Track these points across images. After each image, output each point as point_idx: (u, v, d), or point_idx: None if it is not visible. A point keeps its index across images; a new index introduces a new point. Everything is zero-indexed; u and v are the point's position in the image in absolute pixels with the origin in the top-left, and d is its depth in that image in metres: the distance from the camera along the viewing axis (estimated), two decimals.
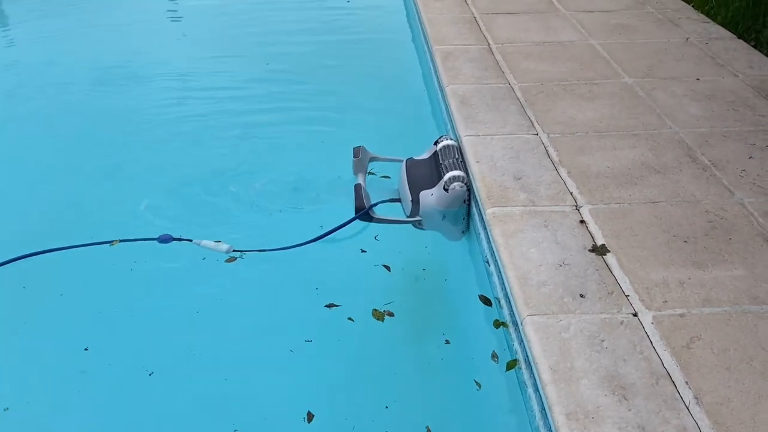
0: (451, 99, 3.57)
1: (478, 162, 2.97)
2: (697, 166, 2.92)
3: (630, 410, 1.83)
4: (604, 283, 2.27)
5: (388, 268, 2.86)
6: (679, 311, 2.15)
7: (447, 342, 2.48)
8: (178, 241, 3.04)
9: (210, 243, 2.99)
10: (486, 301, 2.63)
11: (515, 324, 2.26)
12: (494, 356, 2.40)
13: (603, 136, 3.16)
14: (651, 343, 2.04)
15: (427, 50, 4.53)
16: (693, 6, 4.86)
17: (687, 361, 1.98)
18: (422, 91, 4.42)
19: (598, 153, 3.03)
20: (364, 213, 3.04)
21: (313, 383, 2.36)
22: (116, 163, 3.75)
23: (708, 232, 2.51)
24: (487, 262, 2.71)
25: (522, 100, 3.53)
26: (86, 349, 2.51)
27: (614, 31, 4.41)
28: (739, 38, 4.28)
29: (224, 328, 2.61)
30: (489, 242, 2.63)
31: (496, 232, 2.53)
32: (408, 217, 3.09)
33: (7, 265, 2.93)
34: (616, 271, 2.33)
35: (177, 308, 2.71)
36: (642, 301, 2.20)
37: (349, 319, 2.58)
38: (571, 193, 2.75)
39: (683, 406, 1.84)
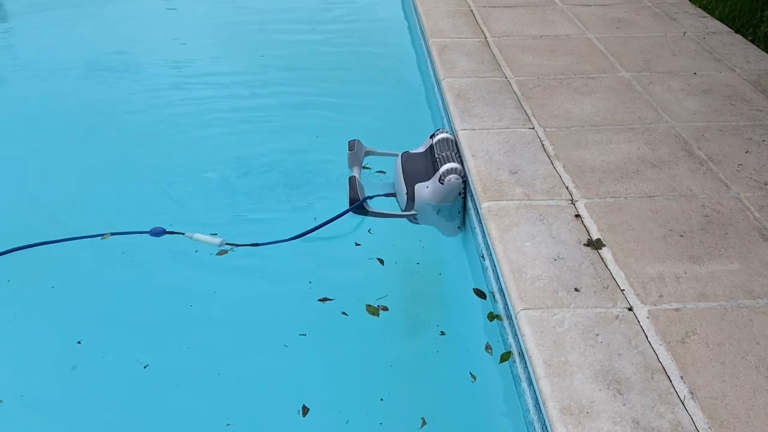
0: (447, 92, 3.54)
1: (474, 156, 2.95)
2: (694, 161, 2.91)
3: (624, 405, 1.82)
4: (600, 278, 2.26)
5: (381, 261, 2.84)
6: (675, 306, 2.14)
7: (442, 333, 2.47)
8: (170, 235, 3.01)
9: (202, 236, 2.97)
10: (480, 294, 2.62)
11: (509, 318, 2.25)
12: (488, 348, 2.39)
13: (599, 130, 3.15)
14: (646, 337, 2.03)
15: (423, 43, 4.51)
16: (690, 0, 4.85)
17: (682, 355, 1.97)
18: (418, 85, 4.40)
19: (594, 147, 3.01)
20: (358, 205, 3.03)
21: (307, 377, 2.34)
22: (110, 154, 3.72)
23: (704, 226, 2.50)
24: (482, 257, 2.70)
25: (518, 93, 3.51)
26: (79, 342, 2.49)
27: (611, 25, 4.39)
28: (736, 33, 4.26)
29: (218, 321, 2.59)
30: (484, 236, 2.62)
31: (492, 226, 2.51)
32: (403, 211, 3.08)
33: None
34: (612, 265, 2.32)
35: (170, 302, 2.68)
36: (637, 295, 2.19)
37: (343, 313, 2.57)
38: (567, 188, 2.73)
39: (678, 400, 1.83)
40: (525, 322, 2.08)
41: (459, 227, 3.05)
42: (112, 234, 3.01)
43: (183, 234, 3.00)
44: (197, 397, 2.30)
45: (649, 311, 2.12)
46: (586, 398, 1.83)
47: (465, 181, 2.92)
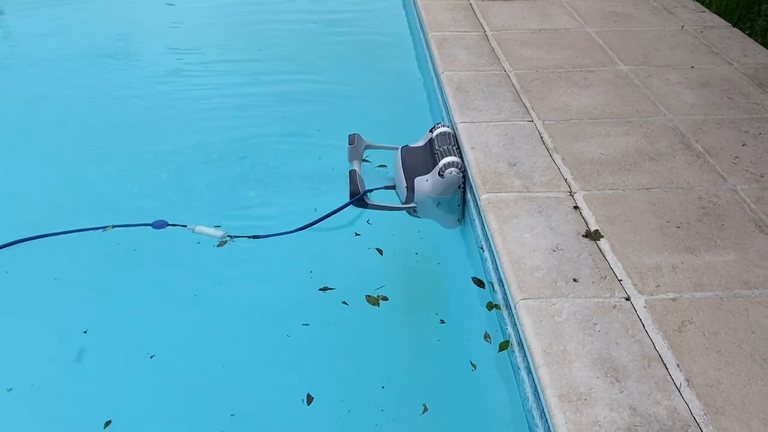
0: (446, 86, 3.56)
1: (473, 148, 2.98)
2: (691, 153, 2.93)
3: (622, 392, 1.85)
4: (598, 268, 2.29)
5: (380, 251, 2.87)
6: (672, 295, 2.17)
7: (442, 322, 2.50)
8: (173, 227, 3.03)
9: (204, 228, 2.99)
10: (479, 283, 2.65)
11: (509, 307, 2.28)
12: (486, 337, 2.42)
13: (598, 123, 3.17)
14: (643, 326, 2.06)
15: (422, 37, 4.52)
16: None
17: (678, 344, 2.00)
18: (417, 78, 4.42)
19: (592, 140, 3.03)
20: (358, 198, 3.05)
21: (309, 366, 2.37)
22: (110, 144, 3.72)
23: (701, 218, 2.53)
24: (481, 248, 2.72)
25: (517, 87, 3.53)
26: (85, 332, 2.51)
27: (610, 19, 4.41)
28: (734, 27, 4.28)
29: (222, 312, 2.61)
30: (483, 228, 2.64)
31: (491, 218, 2.54)
32: (403, 204, 3.10)
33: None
34: (610, 256, 2.34)
35: (174, 293, 2.70)
36: (635, 285, 2.21)
37: (344, 302, 2.59)
38: (566, 180, 2.76)
39: (674, 387, 1.86)
40: (524, 312, 2.11)
41: (458, 220, 3.07)
42: (114, 227, 3.03)
43: (185, 226, 3.02)
44: (201, 389, 2.32)
45: (646, 301, 2.15)
46: (584, 386, 1.86)
47: (464, 175, 2.94)
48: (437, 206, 3.03)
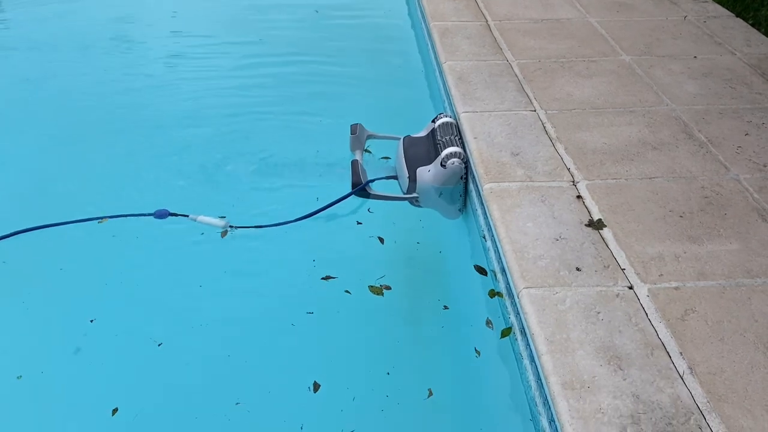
0: (448, 75, 3.55)
1: (475, 138, 2.98)
2: (694, 143, 2.94)
3: (625, 380, 1.86)
4: (601, 257, 2.29)
5: (381, 240, 2.87)
6: (675, 284, 2.18)
7: (445, 308, 2.51)
8: (174, 217, 3.03)
9: (206, 218, 2.99)
10: (481, 271, 2.66)
11: (511, 296, 2.29)
12: (488, 323, 2.43)
13: (600, 113, 3.17)
14: (646, 315, 2.07)
15: (424, 26, 4.51)
16: None
17: (681, 332, 2.01)
18: (419, 68, 4.41)
19: (595, 129, 3.03)
20: (360, 188, 3.05)
21: (314, 354, 2.39)
22: (112, 133, 3.72)
23: (704, 207, 2.53)
24: (484, 237, 2.73)
25: (520, 76, 3.52)
26: (92, 321, 2.53)
27: (612, 9, 4.40)
28: (737, 17, 4.27)
29: (226, 301, 2.62)
30: (486, 217, 2.65)
31: (493, 207, 2.54)
32: (405, 194, 3.10)
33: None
34: (612, 245, 2.35)
35: (179, 282, 2.72)
36: (638, 274, 2.22)
37: (346, 291, 2.61)
38: (568, 169, 2.76)
39: (677, 375, 1.87)
40: (527, 301, 2.12)
41: (460, 210, 3.08)
42: (114, 216, 3.02)
43: (187, 216, 3.02)
44: (206, 377, 2.34)
45: (649, 289, 2.16)
46: (588, 374, 1.88)
47: (467, 165, 2.94)
48: (439, 196, 3.03)
